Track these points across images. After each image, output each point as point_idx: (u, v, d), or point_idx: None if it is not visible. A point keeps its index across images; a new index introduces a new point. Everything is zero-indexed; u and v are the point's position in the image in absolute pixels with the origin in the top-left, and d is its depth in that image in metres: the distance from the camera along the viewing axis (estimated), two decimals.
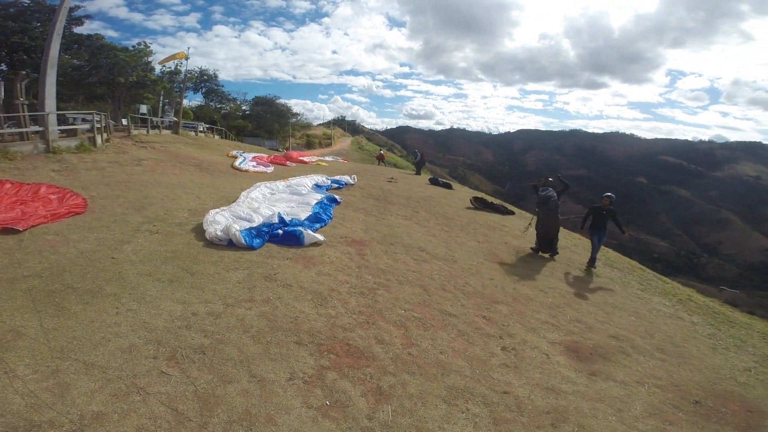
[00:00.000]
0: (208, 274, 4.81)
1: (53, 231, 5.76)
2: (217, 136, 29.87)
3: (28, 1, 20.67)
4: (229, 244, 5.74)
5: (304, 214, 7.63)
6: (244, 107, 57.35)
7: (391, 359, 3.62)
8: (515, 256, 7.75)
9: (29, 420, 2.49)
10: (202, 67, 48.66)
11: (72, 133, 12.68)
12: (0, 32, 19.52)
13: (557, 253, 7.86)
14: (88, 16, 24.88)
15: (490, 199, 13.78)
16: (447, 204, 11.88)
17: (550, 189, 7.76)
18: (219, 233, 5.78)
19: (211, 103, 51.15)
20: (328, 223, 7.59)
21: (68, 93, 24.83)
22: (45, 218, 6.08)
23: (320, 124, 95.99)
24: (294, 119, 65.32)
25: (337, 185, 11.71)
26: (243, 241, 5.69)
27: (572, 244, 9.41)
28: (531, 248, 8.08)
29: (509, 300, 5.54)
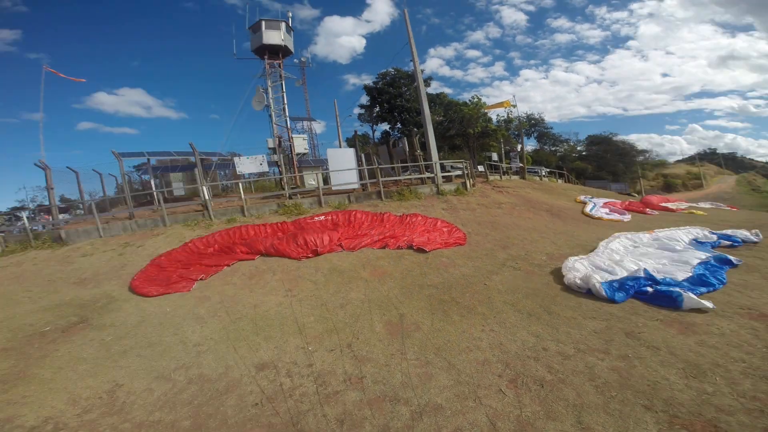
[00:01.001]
0: (565, 317, 4.85)
1: (445, 255, 7.66)
2: (560, 180, 30.09)
3: (394, 71, 28.62)
4: (587, 292, 5.54)
5: (681, 274, 6.15)
6: (578, 148, 55.38)
7: None
8: None
9: (396, 394, 3.36)
10: (528, 112, 50.61)
11: (448, 179, 16.64)
12: (389, 98, 28.15)
13: None
14: (431, 78, 31.79)
15: None
16: None
17: None
18: (578, 281, 5.69)
19: (545, 147, 52.58)
20: (718, 288, 5.76)
21: (438, 145, 31.65)
22: (440, 245, 8.20)
23: (679, 161, 78.16)
24: (641, 157, 56.32)
25: (728, 242, 8.63)
26: (604, 292, 5.33)
27: None
28: None
29: None
